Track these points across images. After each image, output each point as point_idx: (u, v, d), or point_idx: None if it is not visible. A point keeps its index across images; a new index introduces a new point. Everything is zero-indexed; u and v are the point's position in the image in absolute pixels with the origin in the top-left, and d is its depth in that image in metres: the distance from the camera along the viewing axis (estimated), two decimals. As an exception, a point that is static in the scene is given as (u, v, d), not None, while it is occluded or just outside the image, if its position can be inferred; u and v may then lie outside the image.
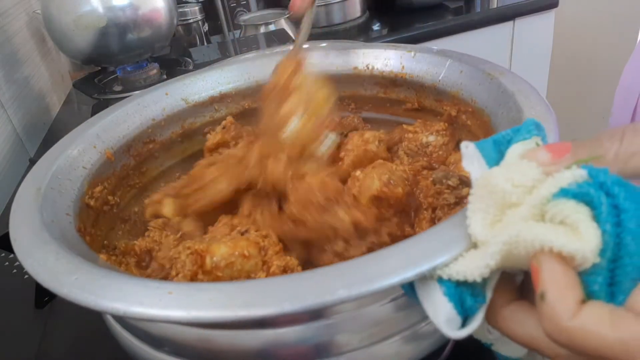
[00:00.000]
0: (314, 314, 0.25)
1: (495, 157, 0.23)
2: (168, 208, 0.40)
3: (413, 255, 0.22)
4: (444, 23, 1.30)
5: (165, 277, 0.33)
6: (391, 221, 0.36)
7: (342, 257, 0.34)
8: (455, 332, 0.21)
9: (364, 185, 0.36)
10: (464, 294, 0.21)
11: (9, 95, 0.85)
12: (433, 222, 0.34)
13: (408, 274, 0.21)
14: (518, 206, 0.21)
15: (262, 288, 0.22)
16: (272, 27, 1.38)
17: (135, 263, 0.36)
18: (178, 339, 0.27)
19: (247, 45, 1.29)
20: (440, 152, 0.43)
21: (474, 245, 0.22)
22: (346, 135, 0.44)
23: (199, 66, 1.13)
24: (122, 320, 0.30)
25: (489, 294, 0.22)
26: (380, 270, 0.21)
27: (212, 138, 0.47)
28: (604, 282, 0.19)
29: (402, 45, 0.47)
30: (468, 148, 0.24)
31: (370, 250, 0.34)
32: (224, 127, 0.47)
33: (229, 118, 0.48)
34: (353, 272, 0.21)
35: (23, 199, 0.31)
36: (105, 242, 0.38)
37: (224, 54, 1.26)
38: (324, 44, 0.45)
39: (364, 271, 0.21)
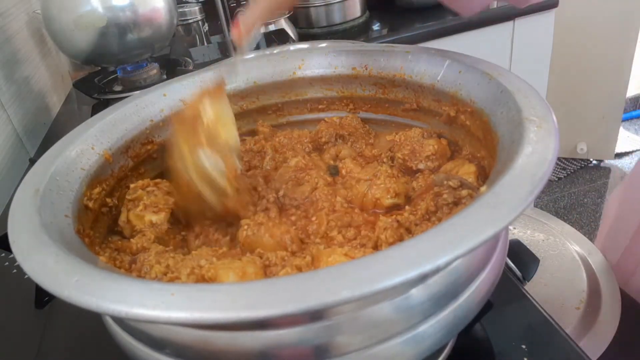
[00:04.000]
0: (315, 315, 0.25)
1: None
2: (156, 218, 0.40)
3: (415, 256, 0.22)
4: (444, 23, 1.30)
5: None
6: None
7: None
8: None
9: None
10: None
11: (9, 95, 0.85)
12: (433, 223, 0.34)
13: (411, 273, 0.21)
14: None
15: (265, 289, 0.22)
16: (272, 27, 1.38)
17: (129, 261, 0.36)
18: (179, 341, 0.27)
19: (246, 45, 1.28)
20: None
21: None
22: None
23: (199, 66, 1.13)
24: (121, 322, 0.30)
25: None
26: (383, 270, 0.21)
27: None
28: None
29: (400, 45, 0.47)
30: None
31: None
32: None
33: None
34: (356, 272, 0.21)
35: (21, 201, 0.31)
36: (103, 244, 0.38)
37: (224, 54, 1.26)
38: (323, 44, 0.45)
39: (367, 271, 0.21)
